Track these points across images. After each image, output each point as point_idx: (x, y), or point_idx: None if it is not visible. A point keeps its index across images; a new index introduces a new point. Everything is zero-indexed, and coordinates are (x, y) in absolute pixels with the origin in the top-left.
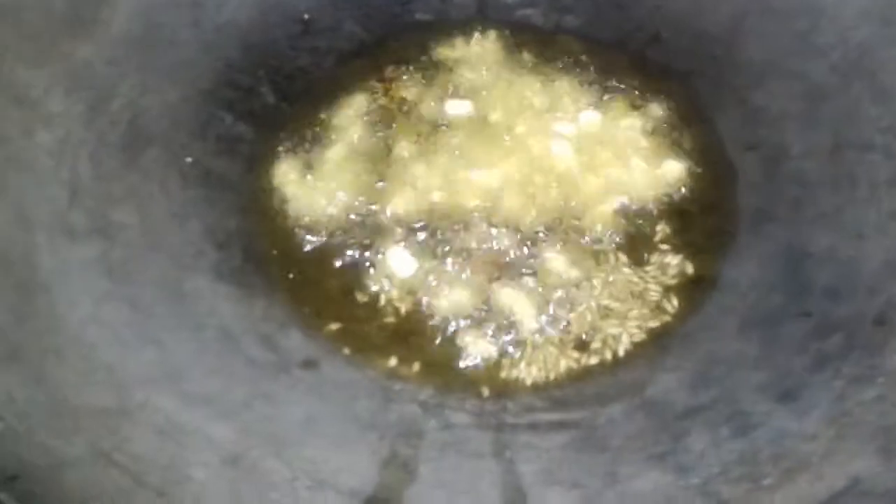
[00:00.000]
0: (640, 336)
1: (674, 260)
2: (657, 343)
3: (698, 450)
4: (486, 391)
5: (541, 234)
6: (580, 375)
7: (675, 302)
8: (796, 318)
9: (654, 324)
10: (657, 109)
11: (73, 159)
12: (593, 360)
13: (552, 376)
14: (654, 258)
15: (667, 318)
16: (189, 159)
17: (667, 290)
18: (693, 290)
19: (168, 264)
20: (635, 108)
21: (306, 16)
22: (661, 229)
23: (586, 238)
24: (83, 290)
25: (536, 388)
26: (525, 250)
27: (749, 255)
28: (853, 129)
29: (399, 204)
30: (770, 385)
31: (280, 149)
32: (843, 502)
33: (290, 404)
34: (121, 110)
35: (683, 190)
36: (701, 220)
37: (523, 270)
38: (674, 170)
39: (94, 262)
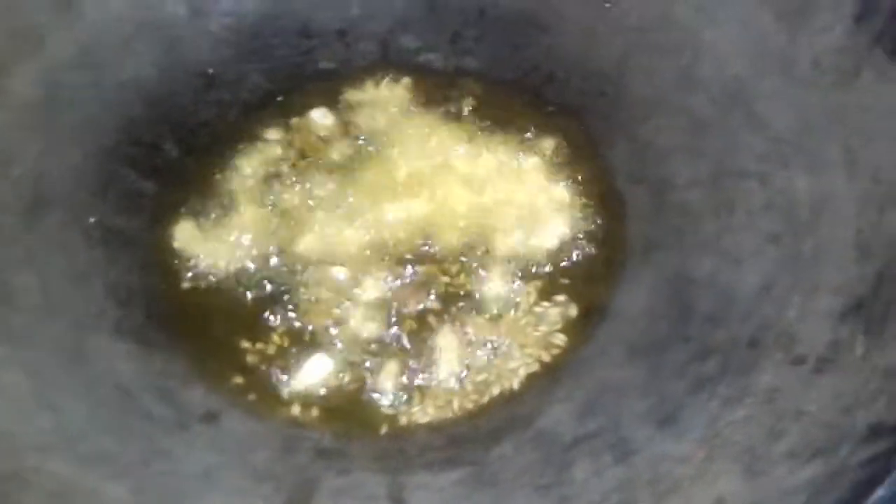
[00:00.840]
0: (533, 369)
1: (567, 292)
2: (549, 375)
3: (581, 479)
4: (384, 432)
5: (438, 273)
6: (475, 412)
7: (568, 333)
8: (678, 343)
9: (546, 356)
10: (551, 145)
11: None
12: (488, 397)
13: (449, 414)
14: (547, 291)
15: (557, 350)
16: (92, 219)
17: (559, 321)
18: (584, 320)
19: (68, 325)
20: (530, 145)
21: (210, 70)
22: (555, 262)
23: (483, 273)
24: None
25: (433, 427)
26: (426, 291)
27: (638, 284)
28: (732, 158)
29: (306, 249)
30: (652, 410)
31: (183, 205)
32: None
33: (187, 459)
34: (22, 174)
35: (575, 223)
36: (592, 252)
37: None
38: (566, 205)
39: None
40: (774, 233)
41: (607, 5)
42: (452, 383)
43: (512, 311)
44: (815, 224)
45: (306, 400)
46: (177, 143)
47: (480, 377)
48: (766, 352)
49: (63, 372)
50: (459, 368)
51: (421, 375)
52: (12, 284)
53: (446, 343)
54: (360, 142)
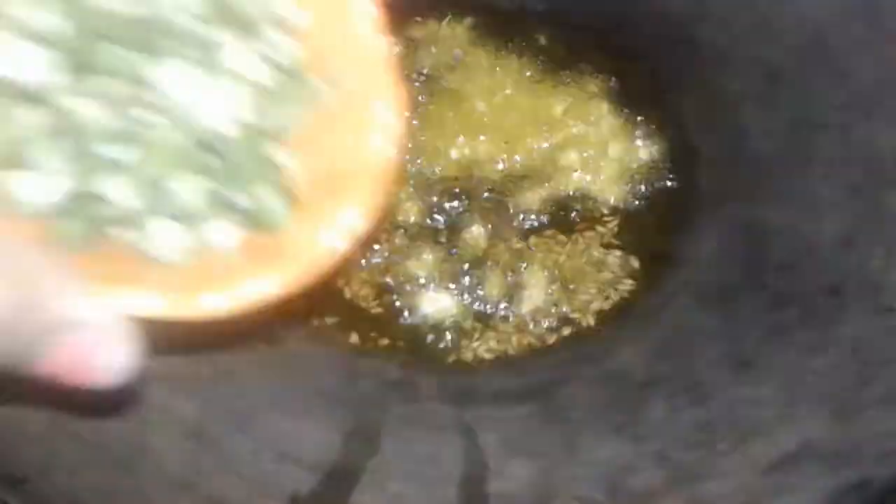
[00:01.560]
0: (600, 311)
1: (633, 238)
2: (618, 317)
3: (656, 419)
4: (449, 365)
5: (508, 210)
6: (541, 349)
7: (636, 278)
8: (753, 291)
9: (614, 299)
10: (622, 91)
11: None
12: (555, 334)
13: (515, 349)
14: (618, 235)
15: (626, 294)
16: None
17: (627, 266)
18: (651, 267)
19: None
20: (599, 89)
21: None
22: (624, 207)
23: (547, 216)
24: None
25: (499, 361)
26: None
27: (708, 233)
28: (809, 108)
29: None
30: (726, 356)
31: None
32: (794, 464)
33: (253, 380)
34: None
35: (646, 170)
36: (662, 199)
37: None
38: (638, 149)
39: None
40: (855, 184)
41: None
42: (517, 318)
43: (577, 252)
44: None
45: (370, 330)
46: None
47: (545, 314)
48: (847, 302)
49: None
50: (524, 304)
51: (487, 308)
52: None
53: (509, 277)
54: (423, 78)
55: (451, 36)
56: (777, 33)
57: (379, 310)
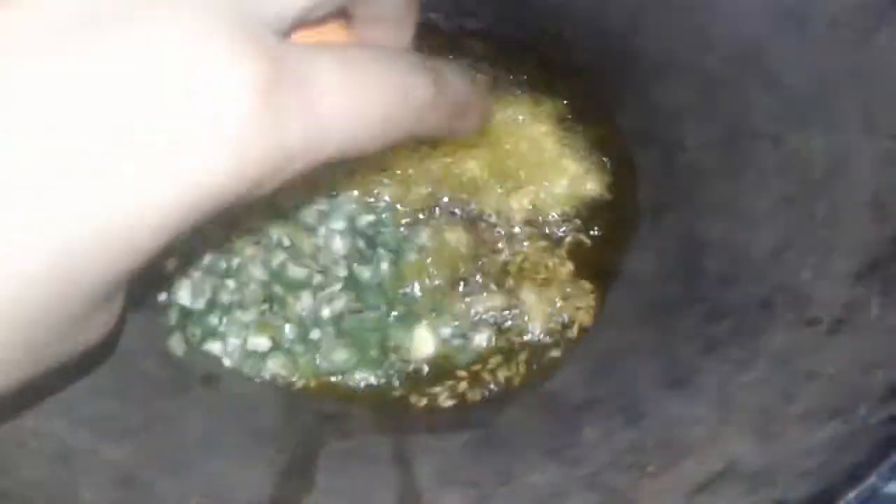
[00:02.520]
0: (541, 331)
1: (575, 254)
2: (559, 336)
3: (591, 441)
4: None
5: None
6: (481, 373)
7: (575, 296)
8: (690, 305)
9: (553, 318)
10: (560, 106)
11: None
12: (497, 357)
13: (456, 374)
14: (557, 252)
15: (565, 313)
16: None
17: (569, 284)
18: (593, 282)
19: None
20: (537, 105)
21: None
22: (565, 223)
23: (497, 231)
24: None
25: (439, 387)
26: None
27: (649, 247)
28: (745, 119)
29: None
30: (663, 373)
31: None
32: (719, 484)
33: (188, 422)
34: None
35: (584, 184)
36: (602, 214)
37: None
38: (575, 165)
39: None
40: (788, 194)
41: None
42: (459, 341)
43: (517, 271)
44: (830, 185)
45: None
46: None
47: (485, 337)
48: (778, 313)
49: None
50: (467, 327)
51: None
52: None
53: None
54: None
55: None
56: (712, 44)
57: None
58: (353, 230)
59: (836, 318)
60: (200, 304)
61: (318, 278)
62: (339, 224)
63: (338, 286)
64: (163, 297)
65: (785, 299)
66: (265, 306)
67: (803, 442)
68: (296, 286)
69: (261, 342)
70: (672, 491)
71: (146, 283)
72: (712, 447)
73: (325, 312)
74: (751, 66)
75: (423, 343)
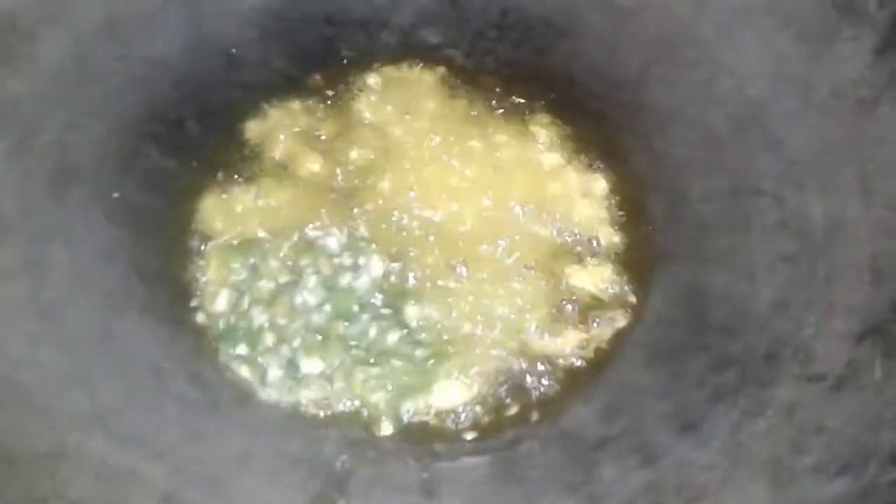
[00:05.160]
0: (556, 371)
1: (587, 296)
2: (571, 376)
3: (609, 479)
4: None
5: (460, 270)
6: (502, 408)
7: (589, 337)
8: (696, 352)
9: (567, 357)
10: (570, 149)
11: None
12: (515, 393)
13: (478, 410)
14: (568, 294)
15: (578, 352)
16: (116, 195)
17: (581, 325)
18: (603, 325)
19: (97, 303)
20: (549, 146)
21: (233, 51)
22: (575, 265)
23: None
24: (15, 332)
25: (462, 422)
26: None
27: (656, 293)
28: (747, 175)
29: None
30: (673, 416)
31: (205, 182)
32: None
33: (222, 442)
34: (48, 146)
35: (593, 228)
36: (609, 258)
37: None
38: (587, 209)
39: (24, 302)
40: (788, 252)
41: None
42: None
43: (529, 311)
44: (828, 246)
45: None
46: (199, 122)
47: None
48: (783, 366)
49: (96, 350)
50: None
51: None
52: (44, 258)
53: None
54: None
55: (419, 81)
56: (718, 102)
57: None
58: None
59: (839, 376)
60: (240, 327)
61: (365, 315)
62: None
63: (384, 323)
64: (201, 317)
65: (789, 353)
66: (312, 335)
67: (816, 494)
68: (345, 316)
69: (313, 364)
70: None
71: (184, 301)
72: (726, 493)
73: (369, 347)
74: (754, 125)
75: (456, 392)
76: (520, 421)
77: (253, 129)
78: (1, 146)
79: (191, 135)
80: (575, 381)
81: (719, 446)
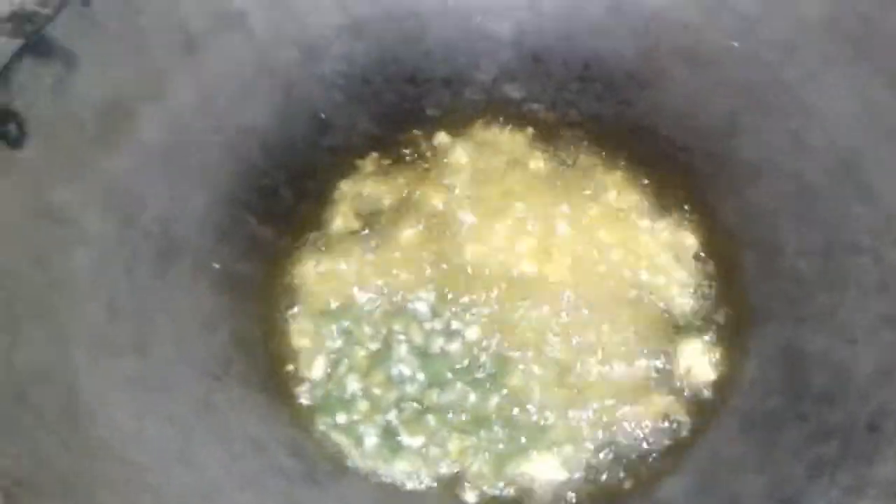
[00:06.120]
0: (649, 441)
1: (678, 358)
2: (663, 446)
3: None
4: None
5: (554, 338)
6: (592, 481)
7: (680, 402)
8: (794, 421)
9: (662, 426)
10: (663, 203)
11: (109, 275)
12: (602, 466)
13: (567, 484)
14: (660, 354)
15: (671, 419)
16: (216, 265)
17: (672, 386)
18: (697, 389)
19: (199, 374)
20: (638, 202)
21: (322, 115)
22: (666, 323)
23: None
24: (125, 410)
25: (552, 498)
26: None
27: (750, 355)
28: (843, 230)
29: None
30: (770, 492)
31: (300, 248)
32: None
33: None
34: (151, 222)
35: (687, 285)
36: (703, 316)
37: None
38: (677, 266)
39: (133, 379)
40: (890, 314)
41: (734, 44)
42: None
43: (618, 376)
44: None
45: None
46: (292, 188)
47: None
48: (886, 439)
49: (199, 423)
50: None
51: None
52: (148, 333)
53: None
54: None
55: (511, 142)
56: (809, 151)
57: None
58: None
59: None
60: (338, 396)
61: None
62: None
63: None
64: (298, 385)
65: (893, 425)
66: (411, 405)
67: None
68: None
69: (414, 441)
70: None
71: (281, 369)
72: None
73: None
74: (849, 177)
75: (547, 468)
76: (614, 495)
77: (346, 194)
78: (110, 225)
79: (285, 201)
80: (669, 453)
81: None
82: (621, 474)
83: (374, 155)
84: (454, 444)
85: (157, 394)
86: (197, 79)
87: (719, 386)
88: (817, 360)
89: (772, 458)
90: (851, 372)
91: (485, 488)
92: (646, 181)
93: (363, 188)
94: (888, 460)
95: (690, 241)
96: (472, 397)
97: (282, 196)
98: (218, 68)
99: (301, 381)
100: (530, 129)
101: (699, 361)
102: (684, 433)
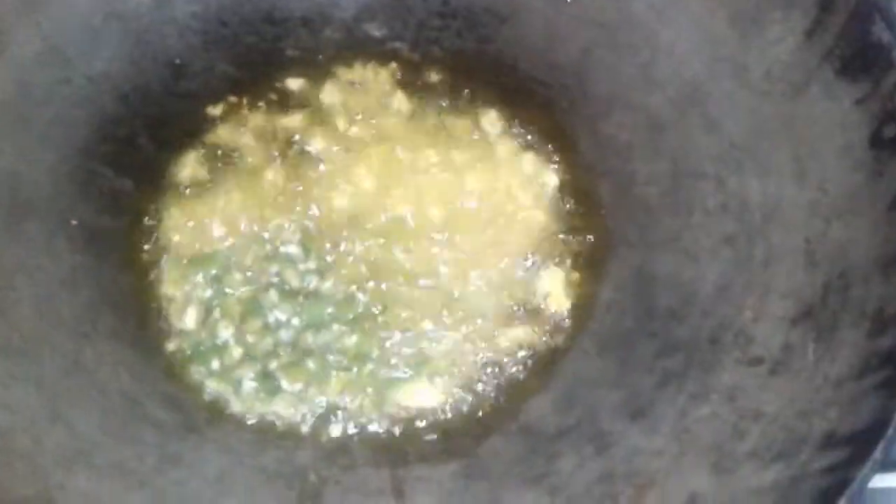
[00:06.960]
0: (518, 364)
1: (535, 284)
2: (531, 368)
3: (567, 470)
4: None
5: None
6: (465, 407)
7: (540, 325)
8: (645, 338)
9: (528, 350)
10: (518, 137)
11: None
12: (476, 389)
13: (443, 408)
14: (525, 282)
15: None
16: (74, 222)
17: (537, 317)
18: (555, 312)
19: (65, 334)
20: (498, 135)
21: (178, 60)
22: (529, 253)
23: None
24: None
25: (427, 421)
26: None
27: (605, 280)
28: (689, 158)
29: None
30: (625, 404)
31: (163, 198)
32: None
33: (200, 463)
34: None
35: (543, 214)
36: (564, 245)
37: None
38: (535, 196)
39: None
40: (729, 234)
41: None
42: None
43: (484, 302)
44: (766, 229)
45: None
46: (150, 137)
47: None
48: (725, 350)
49: (68, 383)
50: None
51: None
52: (6, 296)
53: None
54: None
55: (374, 81)
56: (657, 85)
57: None
58: None
59: (776, 360)
60: (211, 343)
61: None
62: None
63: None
64: (169, 337)
65: (730, 337)
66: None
67: (754, 481)
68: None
69: (293, 386)
70: None
71: (152, 322)
72: (673, 479)
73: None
74: (693, 108)
75: (426, 396)
76: (482, 418)
77: (207, 138)
78: None
79: (144, 151)
80: (532, 375)
81: (667, 433)
82: (492, 394)
83: (235, 99)
84: (334, 383)
85: (20, 357)
86: (40, 29)
87: (578, 310)
88: (666, 280)
89: (626, 374)
90: (696, 290)
91: (360, 419)
92: (510, 117)
93: (224, 133)
94: (726, 369)
95: (552, 174)
96: (350, 336)
97: (140, 146)
98: (62, 17)
99: (173, 332)
100: (394, 66)
101: (559, 288)
102: (548, 355)
